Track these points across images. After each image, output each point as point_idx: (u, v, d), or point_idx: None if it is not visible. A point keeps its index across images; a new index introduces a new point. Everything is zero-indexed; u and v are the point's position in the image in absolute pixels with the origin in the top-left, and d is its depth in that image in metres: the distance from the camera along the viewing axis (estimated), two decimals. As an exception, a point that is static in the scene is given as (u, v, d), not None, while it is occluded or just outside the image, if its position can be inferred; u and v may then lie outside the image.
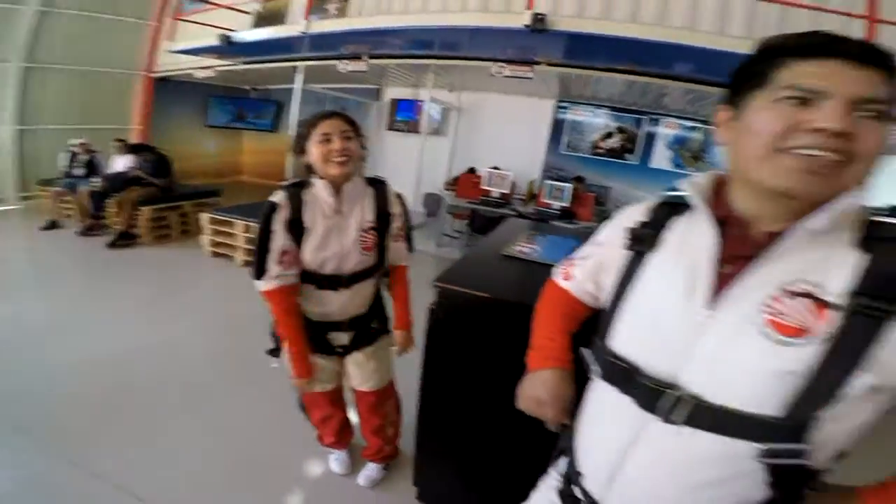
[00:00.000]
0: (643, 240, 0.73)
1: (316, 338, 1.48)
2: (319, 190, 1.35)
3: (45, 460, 1.80)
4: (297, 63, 5.36)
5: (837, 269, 0.56)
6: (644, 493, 0.69)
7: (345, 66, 5.01)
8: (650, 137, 5.79)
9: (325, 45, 4.73)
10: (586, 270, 0.89)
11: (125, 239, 4.62)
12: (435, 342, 1.46)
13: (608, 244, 0.83)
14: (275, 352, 1.51)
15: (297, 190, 1.36)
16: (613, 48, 3.47)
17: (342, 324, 1.48)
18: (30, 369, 2.38)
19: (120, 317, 3.16)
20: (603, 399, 0.75)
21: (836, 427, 0.57)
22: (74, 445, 1.89)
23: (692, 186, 0.68)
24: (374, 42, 4.54)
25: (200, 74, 6.33)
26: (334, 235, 1.37)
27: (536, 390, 0.87)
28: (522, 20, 3.38)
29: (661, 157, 5.78)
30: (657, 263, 0.70)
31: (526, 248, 1.76)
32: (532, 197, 5.64)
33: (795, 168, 0.56)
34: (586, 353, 0.78)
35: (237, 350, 2.80)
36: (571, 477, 0.83)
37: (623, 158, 5.92)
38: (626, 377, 0.69)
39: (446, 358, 1.47)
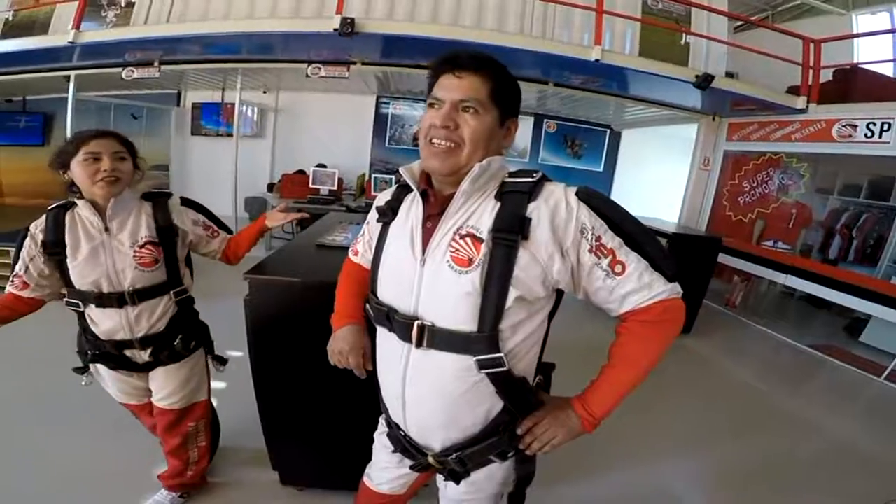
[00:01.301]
0: (386, 213, 0.94)
1: (111, 355, 1.43)
2: (82, 210, 1.32)
3: None
4: (70, 72, 4.54)
5: (485, 215, 0.80)
6: (424, 411, 0.89)
7: (130, 74, 4.46)
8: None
9: (104, 52, 4.12)
10: (364, 244, 1.08)
11: None
12: (257, 331, 1.52)
13: (370, 220, 1.03)
14: (82, 369, 1.48)
15: (59, 212, 1.33)
16: (418, 47, 3.80)
17: (133, 342, 1.41)
18: None
19: None
20: (381, 339, 0.95)
21: (516, 338, 0.81)
22: None
23: (406, 171, 0.89)
24: (167, 48, 4.11)
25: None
26: (103, 254, 1.33)
27: (338, 345, 1.00)
28: (332, 24, 3.46)
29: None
30: (394, 229, 0.91)
31: (339, 236, 1.92)
32: (362, 191, 5.84)
33: (428, 153, 0.83)
34: (367, 306, 0.97)
35: (39, 383, 2.41)
36: (386, 417, 1.03)
37: None
38: (388, 317, 0.87)
39: (271, 344, 1.54)
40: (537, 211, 0.78)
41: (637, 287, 0.78)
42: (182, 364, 1.52)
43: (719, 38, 4.44)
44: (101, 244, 1.32)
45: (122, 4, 4.06)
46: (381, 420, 1.11)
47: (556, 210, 0.78)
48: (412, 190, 0.89)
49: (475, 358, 0.79)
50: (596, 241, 0.78)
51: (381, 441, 1.10)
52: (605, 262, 0.78)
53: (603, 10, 3.83)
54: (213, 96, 6.25)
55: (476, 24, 4.04)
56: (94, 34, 3.80)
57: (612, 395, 0.84)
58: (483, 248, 0.77)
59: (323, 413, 1.62)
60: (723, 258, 4.30)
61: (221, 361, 1.67)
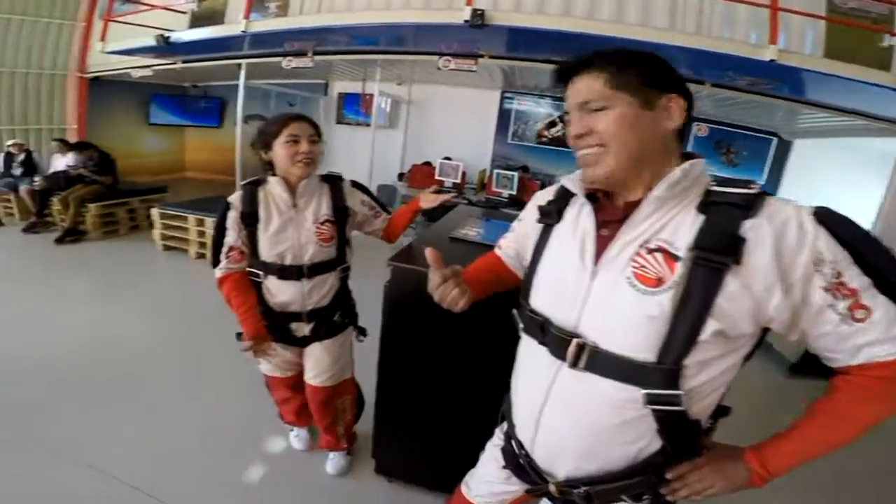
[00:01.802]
0: (550, 215, 0.87)
1: (277, 327, 1.56)
2: (274, 187, 1.46)
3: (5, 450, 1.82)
4: (241, 60, 5.26)
5: (683, 228, 0.69)
6: (561, 436, 0.81)
7: (289, 63, 4.97)
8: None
9: (267, 42, 4.66)
10: (510, 240, 1.05)
11: (72, 235, 4.65)
12: (391, 319, 1.57)
13: (524, 220, 0.99)
14: (241, 335, 1.57)
15: (252, 188, 1.48)
16: (548, 41, 3.65)
17: (302, 314, 1.54)
18: None
19: (79, 307, 3.22)
20: (526, 351, 0.88)
21: (700, 377, 0.70)
22: (37, 431, 1.93)
23: (569, 180, 0.83)
24: (318, 39, 4.53)
25: (137, 74, 6.11)
26: (291, 228, 1.46)
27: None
28: (463, 16, 3.49)
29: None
30: (560, 234, 0.85)
31: (471, 231, 1.91)
32: (483, 186, 5.81)
33: (582, 165, 0.77)
34: (515, 312, 0.92)
35: (198, 336, 2.88)
36: (509, 431, 0.95)
37: (567, 147, 6.08)
38: (541, 329, 0.81)
39: (402, 334, 1.58)
40: (756, 231, 0.64)
41: (882, 338, 0.62)
42: (335, 340, 1.63)
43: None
44: (289, 219, 1.46)
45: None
46: (499, 432, 1.05)
47: (783, 233, 0.63)
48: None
49: (644, 391, 0.70)
50: (835, 277, 0.62)
51: (492, 453, 1.04)
52: (842, 305, 0.62)
53: (778, 7, 3.26)
54: (355, 87, 6.73)
55: (616, 18, 3.74)
56: (259, 24, 4.29)
57: (800, 454, 0.73)
58: (679, 268, 0.67)
59: (436, 410, 1.63)
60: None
61: (363, 332, 1.76)
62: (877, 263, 0.63)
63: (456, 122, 6.29)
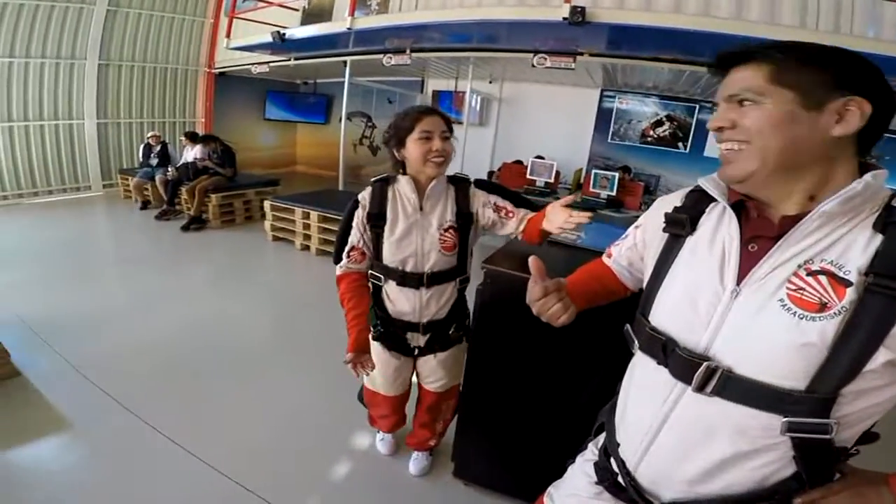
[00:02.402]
0: (681, 224, 0.78)
1: (394, 336, 1.50)
2: (403, 186, 1.36)
3: (124, 418, 2.08)
4: (346, 58, 5.51)
5: (855, 249, 0.60)
6: (674, 463, 0.74)
7: (389, 60, 5.10)
8: (703, 125, 5.45)
9: (368, 39, 4.83)
10: (623, 248, 0.96)
11: (196, 223, 5.18)
12: (482, 323, 1.53)
13: (645, 227, 0.90)
14: None
15: (382, 185, 1.39)
16: (657, 38, 3.32)
17: (419, 325, 1.47)
18: (116, 338, 2.75)
19: (196, 291, 3.64)
20: (643, 371, 0.81)
21: (857, 404, 0.61)
22: (148, 406, 2.15)
23: (710, 182, 0.74)
24: (416, 36, 4.58)
25: (256, 70, 6.63)
26: (415, 232, 1.36)
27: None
28: (561, 13, 3.29)
29: (714, 146, 5.41)
30: (694, 245, 0.75)
31: (572, 234, 1.78)
32: (578, 186, 5.50)
33: (721, 160, 0.70)
34: (629, 329, 0.84)
35: (299, 326, 3.08)
36: (609, 448, 0.89)
37: (674, 147, 5.65)
38: (664, 349, 0.73)
39: (492, 338, 1.53)
40: None
41: None
42: (450, 353, 1.57)
43: None
44: (415, 223, 1.37)
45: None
46: (592, 446, 1.00)
47: None
48: (714, 199, 0.74)
49: (785, 419, 0.63)
50: None
51: (583, 467, 0.99)
52: None
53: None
54: (448, 84, 6.75)
55: (735, 15, 3.28)
56: (363, 20, 4.44)
57: None
58: (849, 294, 0.59)
59: (520, 417, 1.59)
60: None
61: None
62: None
63: (550, 121, 6.08)
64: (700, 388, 0.68)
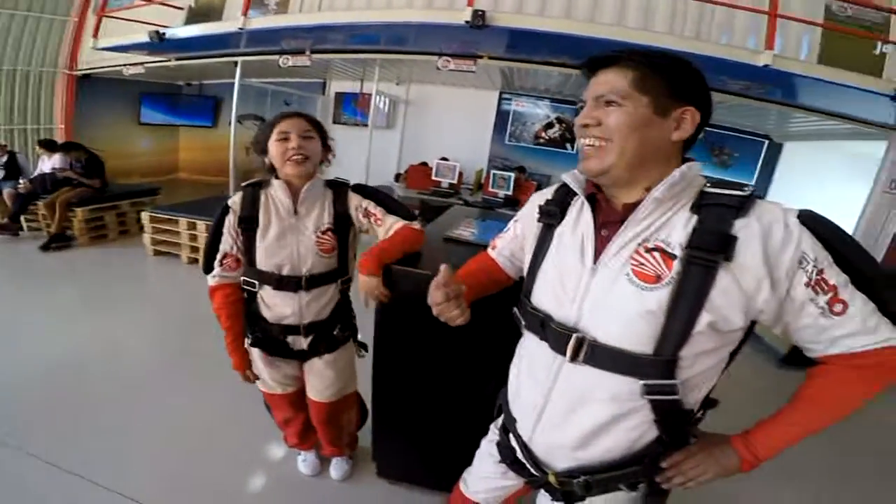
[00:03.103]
0: (551, 214, 0.89)
1: (273, 340, 1.48)
2: (276, 191, 1.36)
3: (14, 459, 1.80)
4: (237, 58, 5.21)
5: (678, 228, 0.72)
6: (562, 429, 0.84)
7: (286, 61, 4.93)
8: (586, 127, 6.09)
9: (264, 39, 4.63)
10: (505, 240, 1.06)
11: (59, 241, 4.45)
12: (385, 321, 1.54)
13: (523, 220, 1.00)
14: None
15: (254, 189, 1.38)
16: (549, 43, 3.67)
17: (300, 328, 1.45)
18: None
19: (70, 317, 3.12)
20: (528, 347, 0.91)
21: (695, 367, 0.74)
22: (35, 441, 1.89)
23: (570, 177, 0.85)
24: (317, 37, 4.50)
25: (129, 72, 5.99)
26: (290, 236, 1.36)
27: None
28: (464, 16, 3.49)
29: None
30: (561, 233, 0.86)
31: (465, 231, 1.89)
32: (479, 186, 5.82)
33: (582, 155, 0.79)
34: (516, 311, 0.94)
35: (193, 346, 2.80)
36: (507, 425, 0.97)
37: (563, 148, 6.18)
38: (542, 325, 0.83)
39: (396, 335, 1.55)
40: (746, 230, 0.68)
41: (857, 330, 0.68)
42: (338, 353, 1.55)
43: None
44: (289, 226, 1.36)
45: (282, -8, 4.54)
46: (493, 427, 1.08)
47: (769, 232, 0.68)
48: (577, 194, 0.85)
49: (642, 382, 0.74)
50: (817, 274, 0.68)
51: (488, 449, 1.07)
52: (822, 299, 0.68)
53: (777, 14, 3.32)
54: (353, 86, 6.70)
55: (616, 22, 3.79)
56: (258, 21, 4.24)
57: (785, 438, 0.79)
58: (675, 266, 0.71)
59: (432, 412, 1.63)
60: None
61: (364, 347, 1.67)
62: (854, 263, 0.69)
63: (453, 123, 6.32)
64: (573, 358, 0.77)
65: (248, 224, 1.35)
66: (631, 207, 0.76)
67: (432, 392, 1.59)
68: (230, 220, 1.37)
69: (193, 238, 4.23)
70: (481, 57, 4.34)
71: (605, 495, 0.85)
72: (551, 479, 0.87)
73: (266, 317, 1.44)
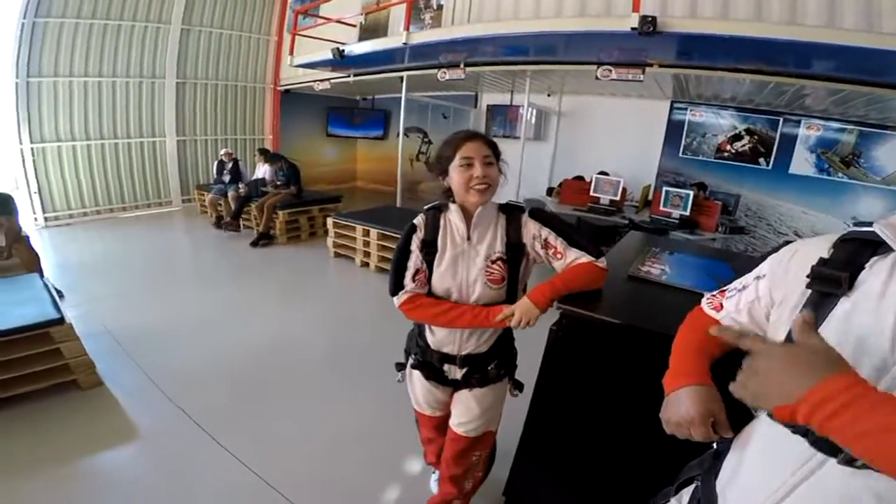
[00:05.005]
0: (833, 281, 0.65)
1: (431, 366, 1.47)
2: (452, 215, 1.33)
3: (193, 432, 2.20)
4: (402, 73, 5.58)
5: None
6: None
7: (444, 75, 5.09)
8: (788, 140, 4.94)
9: (423, 54, 4.83)
10: (741, 302, 0.84)
11: (264, 239, 5.42)
12: (551, 363, 1.47)
13: (774, 280, 0.77)
14: (401, 366, 1.56)
15: (435, 213, 1.36)
16: (735, 48, 3.06)
17: (456, 358, 1.42)
18: (188, 353, 2.94)
19: (261, 308, 3.82)
20: (769, 435, 0.71)
21: None
22: (212, 419, 2.28)
23: (889, 228, 0.61)
24: (469, 50, 4.54)
25: (318, 87, 6.84)
26: (461, 263, 1.32)
27: (676, 410, 0.81)
28: (629, 23, 3.11)
29: (801, 162, 4.90)
30: (855, 307, 0.63)
31: (653, 268, 1.64)
32: (646, 204, 5.16)
33: None
34: None
35: (358, 344, 3.18)
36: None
37: (755, 163, 5.13)
38: None
39: (560, 381, 1.47)
40: None
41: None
42: (488, 390, 1.48)
43: None
44: (461, 252, 1.33)
45: (434, 7, 4.65)
46: (675, 501, 0.92)
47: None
48: (873, 249, 0.63)
49: None
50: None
51: None
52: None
53: None
54: (503, 98, 6.61)
55: (828, 22, 2.97)
56: (417, 35, 4.41)
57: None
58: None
59: (586, 465, 1.51)
60: None
61: (519, 387, 1.60)
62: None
63: (614, 134, 5.80)
64: (850, 461, 0.57)
65: (430, 247, 1.34)
66: None
67: (590, 445, 1.47)
68: (417, 238, 1.35)
69: (366, 244, 4.72)
70: (651, 65, 3.85)
71: None
72: None
73: (429, 342, 1.44)
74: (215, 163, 6.32)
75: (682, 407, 0.79)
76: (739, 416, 0.77)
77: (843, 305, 0.63)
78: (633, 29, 3.08)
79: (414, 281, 1.33)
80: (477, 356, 1.42)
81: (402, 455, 2.10)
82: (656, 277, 1.55)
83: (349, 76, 6.45)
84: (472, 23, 4.42)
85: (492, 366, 1.44)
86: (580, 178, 5.47)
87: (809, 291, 0.68)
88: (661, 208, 4.51)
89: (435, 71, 5.11)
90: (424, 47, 4.47)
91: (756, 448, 0.74)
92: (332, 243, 5.03)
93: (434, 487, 1.87)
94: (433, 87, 6.13)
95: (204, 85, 7.28)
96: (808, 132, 4.88)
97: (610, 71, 4.01)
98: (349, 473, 2.00)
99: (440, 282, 1.33)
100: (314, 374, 2.78)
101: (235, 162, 6.16)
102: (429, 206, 1.38)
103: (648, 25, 3.03)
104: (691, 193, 4.39)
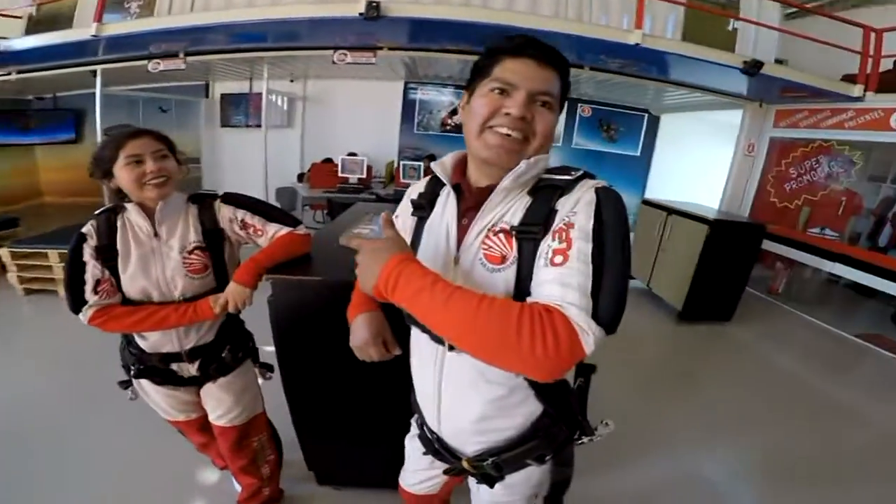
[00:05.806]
0: (422, 207, 0.89)
1: (158, 370, 1.36)
2: (132, 214, 1.24)
3: None
4: (96, 66, 4.56)
5: (518, 211, 0.75)
6: (458, 414, 0.86)
7: (156, 66, 4.45)
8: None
9: (129, 45, 4.11)
10: None
11: None
12: (282, 331, 1.47)
13: (402, 214, 0.97)
14: (125, 383, 1.40)
15: (109, 216, 1.25)
16: (448, 31, 3.68)
17: (181, 354, 1.35)
18: None
19: None
20: (415, 340, 0.91)
21: None
22: None
23: (438, 166, 0.85)
24: (192, 39, 4.08)
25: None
26: (153, 261, 1.25)
27: (356, 337, 0.93)
28: (357, 9, 3.37)
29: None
30: (430, 224, 0.86)
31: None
32: (392, 179, 5.76)
33: (495, 143, 0.74)
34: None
35: (89, 385, 2.44)
36: (420, 419, 1.01)
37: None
38: None
39: (296, 344, 1.49)
40: (564, 203, 0.72)
41: (551, 281, 0.66)
42: (234, 376, 1.45)
43: (770, 25, 4.26)
44: (150, 251, 1.25)
45: (145, -6, 4.02)
46: (413, 422, 1.09)
47: (575, 200, 0.71)
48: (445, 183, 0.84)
49: None
50: (564, 224, 0.70)
51: (412, 444, 1.09)
52: (554, 245, 0.69)
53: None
54: (241, 87, 6.21)
55: (508, 7, 3.89)
56: (116, 26, 3.76)
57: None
58: (514, 244, 0.73)
59: (354, 412, 1.59)
60: (767, 244, 4.26)
61: (268, 369, 1.57)
62: (605, 241, 0.66)
63: (358, 117, 6.13)
64: (451, 347, 0.79)
65: (108, 253, 1.22)
66: (482, 192, 0.78)
67: (345, 392, 1.53)
68: (88, 250, 1.21)
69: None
70: (381, 48, 4.24)
71: (518, 473, 0.88)
72: (465, 464, 0.89)
73: (143, 347, 1.33)
74: None
75: (358, 333, 0.92)
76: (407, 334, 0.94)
77: (428, 224, 0.87)
78: (360, 14, 3.36)
79: (97, 293, 1.21)
80: (205, 346, 1.37)
81: (191, 471, 1.90)
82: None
83: (9, 74, 4.87)
84: (196, 11, 3.92)
85: (225, 352, 1.42)
86: (329, 161, 5.65)
87: (416, 218, 0.91)
88: (402, 180, 5.15)
89: (144, 63, 4.40)
90: (130, 38, 3.79)
91: (415, 356, 0.94)
92: (16, 279, 3.80)
93: (238, 486, 1.77)
94: (144, 80, 5.26)
95: None
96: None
97: (346, 55, 4.26)
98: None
99: (132, 285, 1.24)
100: (59, 433, 2.13)
101: None
102: (99, 210, 1.28)
103: (373, 10, 3.36)
104: (422, 164, 5.14)
